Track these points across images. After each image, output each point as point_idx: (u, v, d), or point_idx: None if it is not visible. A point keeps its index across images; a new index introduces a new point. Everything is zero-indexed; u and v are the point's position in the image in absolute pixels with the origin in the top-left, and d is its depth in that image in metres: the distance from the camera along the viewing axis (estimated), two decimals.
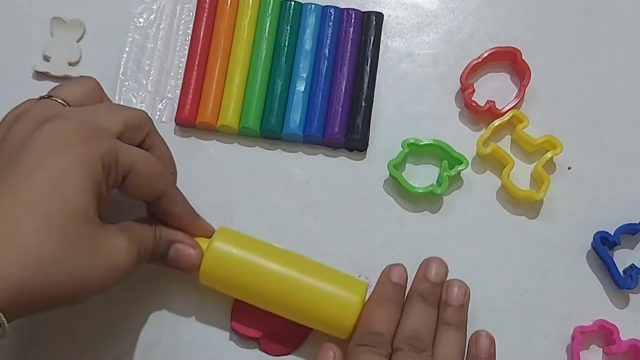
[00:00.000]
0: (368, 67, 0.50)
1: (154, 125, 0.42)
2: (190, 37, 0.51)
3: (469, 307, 0.42)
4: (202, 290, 0.45)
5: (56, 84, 0.50)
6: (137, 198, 0.40)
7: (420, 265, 0.43)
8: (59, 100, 0.39)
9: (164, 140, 0.43)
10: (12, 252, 0.32)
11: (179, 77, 0.51)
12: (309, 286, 0.41)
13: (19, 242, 0.32)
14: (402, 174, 0.47)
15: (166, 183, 0.40)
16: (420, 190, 0.47)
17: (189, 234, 0.42)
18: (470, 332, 0.44)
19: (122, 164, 0.37)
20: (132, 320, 0.45)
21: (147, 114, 0.41)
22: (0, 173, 0.34)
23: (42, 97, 0.39)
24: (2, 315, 0.31)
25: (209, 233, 0.43)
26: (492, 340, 0.41)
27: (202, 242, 0.42)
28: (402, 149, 0.47)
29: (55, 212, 0.33)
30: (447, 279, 0.42)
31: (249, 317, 0.44)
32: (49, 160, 0.34)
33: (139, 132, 0.40)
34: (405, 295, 0.42)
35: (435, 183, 0.48)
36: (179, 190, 0.42)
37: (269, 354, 0.44)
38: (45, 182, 0.33)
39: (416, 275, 0.42)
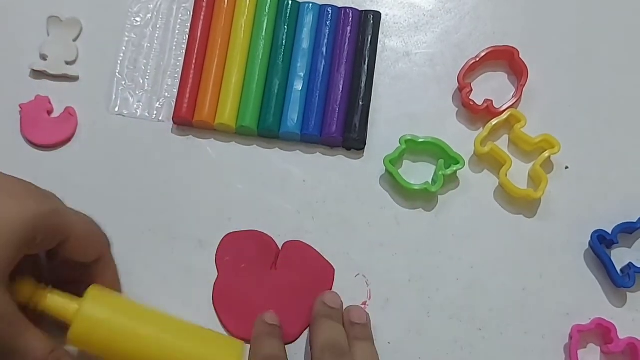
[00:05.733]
0: (365, 66, 0.50)
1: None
2: (187, 36, 0.51)
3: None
4: (200, 293, 0.45)
5: (53, 82, 0.50)
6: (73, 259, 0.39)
7: (317, 299, 0.44)
8: None
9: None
10: None
11: (176, 76, 0.51)
12: (182, 354, 0.39)
13: None
14: (399, 171, 0.47)
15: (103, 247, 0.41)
16: (416, 187, 0.47)
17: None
18: (469, 330, 0.44)
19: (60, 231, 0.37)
20: None
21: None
22: None
23: None
24: None
25: None
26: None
27: (75, 302, 0.39)
28: (399, 145, 0.47)
29: None
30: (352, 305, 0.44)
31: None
32: None
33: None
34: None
35: (430, 181, 0.48)
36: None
37: None
38: None
39: (314, 304, 0.44)
